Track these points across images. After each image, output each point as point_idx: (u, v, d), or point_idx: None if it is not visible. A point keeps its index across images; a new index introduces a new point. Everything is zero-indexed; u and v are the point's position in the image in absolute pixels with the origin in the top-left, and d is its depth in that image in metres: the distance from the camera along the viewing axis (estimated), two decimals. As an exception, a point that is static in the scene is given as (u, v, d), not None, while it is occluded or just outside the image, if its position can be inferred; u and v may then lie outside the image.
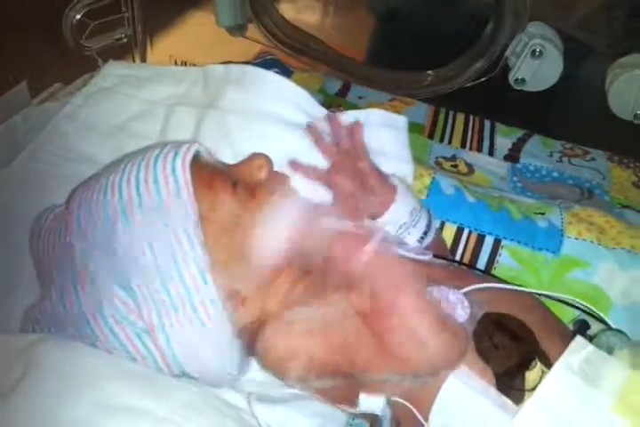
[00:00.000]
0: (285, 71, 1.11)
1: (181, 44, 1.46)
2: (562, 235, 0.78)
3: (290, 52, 1.25)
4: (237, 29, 1.30)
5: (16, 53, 1.07)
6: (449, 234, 0.80)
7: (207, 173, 0.65)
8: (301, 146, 0.78)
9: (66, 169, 0.87)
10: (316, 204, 0.71)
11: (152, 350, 0.61)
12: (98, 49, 1.16)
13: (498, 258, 0.79)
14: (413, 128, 1.02)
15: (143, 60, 1.33)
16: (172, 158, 0.63)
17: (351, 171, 0.73)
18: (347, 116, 0.82)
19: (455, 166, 0.97)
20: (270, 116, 0.80)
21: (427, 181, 0.82)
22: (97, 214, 0.62)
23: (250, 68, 0.85)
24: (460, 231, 0.80)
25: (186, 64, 1.33)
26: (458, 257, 0.80)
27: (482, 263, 0.79)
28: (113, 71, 0.97)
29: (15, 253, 0.76)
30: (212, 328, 0.60)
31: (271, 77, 0.83)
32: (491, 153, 1.02)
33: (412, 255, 0.68)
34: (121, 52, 1.27)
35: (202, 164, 0.67)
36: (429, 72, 1.22)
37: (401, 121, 0.83)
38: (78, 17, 1.11)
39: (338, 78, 1.18)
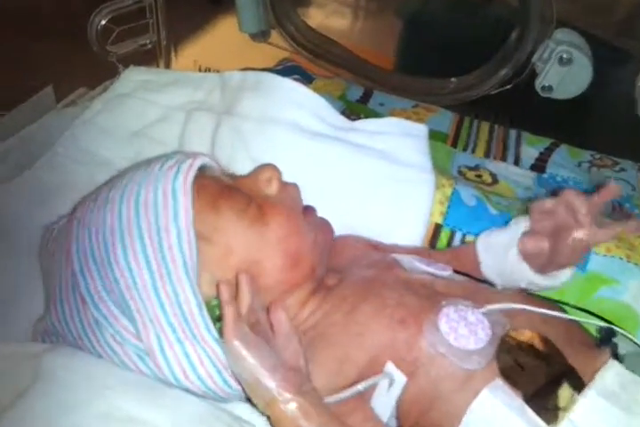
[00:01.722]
0: (306, 77, 1.10)
1: (205, 49, 1.47)
2: (589, 250, 0.74)
3: (312, 57, 1.24)
4: (260, 35, 1.29)
5: (42, 58, 1.08)
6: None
7: (213, 190, 0.62)
8: (317, 154, 0.76)
9: (83, 175, 0.87)
10: (325, 221, 0.69)
11: (154, 369, 0.59)
12: (122, 55, 1.16)
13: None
14: (437, 136, 1.00)
15: (167, 65, 1.33)
16: (172, 178, 0.60)
17: None
18: (367, 125, 0.80)
19: (479, 176, 0.94)
20: (287, 124, 0.79)
21: (448, 191, 0.79)
22: (96, 233, 0.60)
23: (266, 74, 0.84)
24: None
25: (210, 70, 1.33)
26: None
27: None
28: (132, 76, 0.97)
29: (28, 262, 0.75)
30: (212, 347, 0.58)
31: (288, 84, 0.81)
32: (516, 163, 0.99)
33: (431, 270, 0.66)
34: (145, 58, 1.28)
35: (207, 179, 0.63)
36: (453, 79, 1.19)
37: (421, 130, 0.81)
38: (103, 22, 1.12)
39: (360, 85, 1.16)
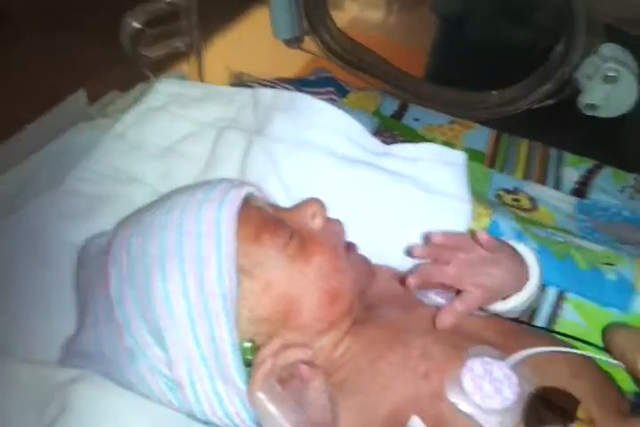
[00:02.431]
0: (341, 90, 1.07)
1: (238, 53, 1.44)
2: (633, 290, 0.71)
3: (345, 65, 1.20)
4: (294, 41, 1.26)
5: (75, 60, 1.07)
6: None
7: (257, 224, 0.61)
8: (349, 180, 0.74)
9: (113, 190, 0.86)
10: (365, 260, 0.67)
11: (182, 402, 0.58)
12: (155, 57, 1.15)
13: (560, 312, 0.72)
14: (473, 156, 0.96)
15: (200, 69, 1.31)
16: (217, 207, 0.59)
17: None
18: (402, 150, 0.77)
19: (517, 200, 0.91)
20: (319, 147, 0.76)
21: (485, 222, 0.76)
22: (135, 259, 0.59)
23: (299, 95, 0.81)
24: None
25: (242, 74, 1.31)
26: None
27: (543, 318, 0.73)
28: (164, 89, 0.95)
29: (57, 276, 0.75)
30: (241, 388, 0.57)
31: (321, 107, 0.79)
32: (556, 186, 0.95)
33: None
34: (178, 61, 1.26)
35: (252, 211, 0.62)
36: (494, 92, 1.15)
37: (460, 158, 0.78)
38: (136, 25, 1.10)
39: (393, 95, 1.13)
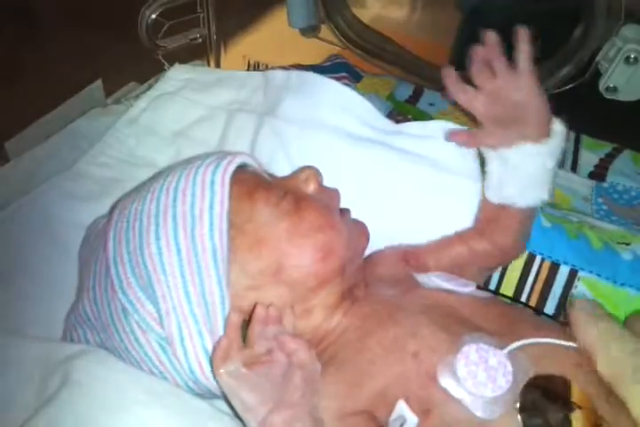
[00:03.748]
0: (354, 75, 1.06)
1: (255, 44, 1.44)
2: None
3: (362, 53, 1.20)
4: (310, 30, 1.26)
5: (92, 51, 1.08)
6: (519, 261, 0.73)
7: (250, 184, 0.63)
8: (359, 159, 0.73)
9: (125, 174, 0.87)
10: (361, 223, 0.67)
11: (174, 362, 0.59)
12: (173, 48, 1.16)
13: (573, 291, 0.71)
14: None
15: (217, 60, 1.32)
16: (212, 170, 0.62)
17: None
18: (413, 128, 0.76)
19: (532, 182, 0.89)
20: (329, 127, 0.75)
21: (497, 201, 0.75)
22: (133, 220, 0.61)
23: (310, 74, 0.81)
24: (531, 258, 0.72)
25: (259, 65, 1.31)
26: (528, 287, 0.72)
27: (555, 296, 0.71)
28: (177, 75, 0.96)
29: (70, 258, 0.76)
30: None
31: (333, 87, 0.78)
32: (574, 169, 0.93)
33: (451, 287, 0.62)
34: (195, 51, 1.27)
35: (246, 175, 0.64)
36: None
37: None
38: (154, 16, 1.11)
39: (410, 82, 1.12)
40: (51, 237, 0.79)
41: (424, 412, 0.54)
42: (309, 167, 0.66)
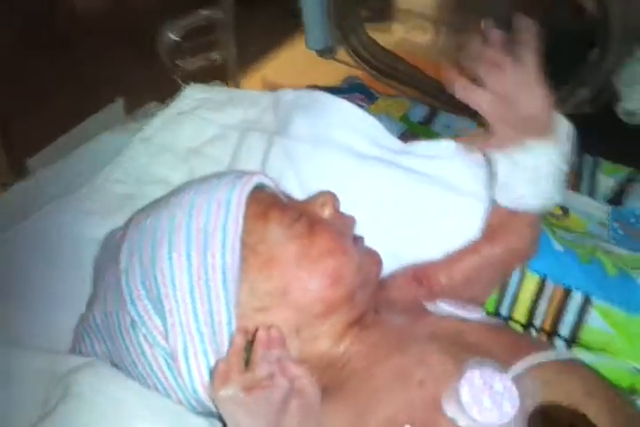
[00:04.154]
0: (370, 96, 1.06)
1: (274, 66, 1.46)
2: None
3: (376, 74, 1.20)
4: (327, 52, 1.27)
5: (114, 70, 1.10)
6: (531, 285, 0.71)
7: (265, 205, 0.62)
8: (367, 178, 0.73)
9: (139, 190, 0.87)
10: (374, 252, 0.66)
11: (178, 379, 0.58)
12: (192, 69, 1.17)
13: (587, 318, 0.69)
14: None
15: (236, 81, 1.34)
16: (229, 189, 0.61)
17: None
18: (422, 148, 0.76)
19: (547, 206, 0.88)
20: (338, 146, 0.75)
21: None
22: (147, 233, 0.61)
23: (320, 94, 0.81)
24: (542, 282, 0.71)
25: (277, 87, 1.32)
26: (541, 313, 0.71)
27: (568, 323, 0.69)
28: (192, 94, 0.96)
29: (83, 273, 0.75)
30: None
31: (342, 106, 0.78)
32: (591, 193, 0.92)
33: (459, 314, 0.61)
34: (214, 73, 1.28)
35: (263, 195, 0.63)
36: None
37: (481, 156, 0.75)
38: (175, 37, 1.13)
39: (425, 103, 1.12)
40: (63, 251, 0.79)
41: None
42: (327, 192, 0.65)
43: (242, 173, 0.64)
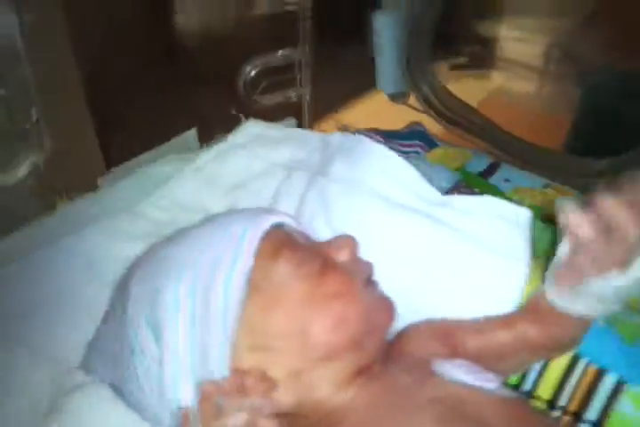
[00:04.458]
0: (429, 143, 1.04)
1: (348, 108, 1.47)
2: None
3: (442, 121, 1.18)
4: (400, 96, 1.26)
5: (190, 101, 1.14)
6: (562, 360, 0.65)
7: (280, 241, 0.61)
8: (396, 227, 0.70)
9: (181, 217, 0.89)
10: (387, 298, 0.62)
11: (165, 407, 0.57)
12: (268, 105, 1.20)
13: (616, 403, 0.61)
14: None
15: (309, 120, 1.35)
16: (245, 225, 0.61)
17: None
18: (460, 202, 0.72)
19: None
20: (371, 192, 0.73)
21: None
22: (158, 259, 0.62)
23: (363, 139, 0.80)
24: (575, 360, 0.64)
25: (347, 127, 1.33)
26: (568, 392, 0.64)
27: (596, 407, 0.62)
28: (250, 129, 0.98)
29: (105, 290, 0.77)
30: None
31: (382, 152, 0.77)
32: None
33: (469, 381, 0.56)
34: (289, 110, 1.31)
35: (280, 234, 0.62)
36: (605, 160, 1.05)
37: (523, 215, 0.71)
38: (253, 73, 1.16)
39: (492, 156, 1.07)
40: (95, 271, 0.81)
41: None
42: (347, 236, 0.64)
43: (264, 210, 0.65)
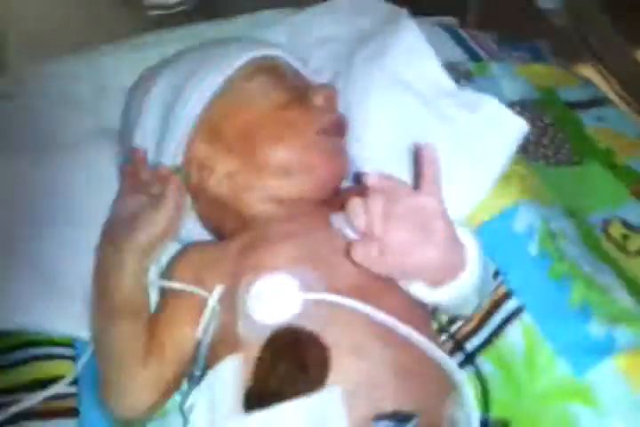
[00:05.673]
0: (536, 57, 0.96)
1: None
2: (606, 355, 0.52)
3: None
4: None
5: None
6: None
7: (263, 68, 0.67)
8: (391, 102, 0.69)
9: None
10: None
11: None
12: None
13: (507, 329, 0.59)
14: (628, 176, 0.78)
15: None
16: (240, 48, 0.69)
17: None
18: (465, 96, 0.69)
19: (626, 237, 0.71)
20: (381, 66, 0.71)
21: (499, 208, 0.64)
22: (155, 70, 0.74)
23: (406, 19, 0.75)
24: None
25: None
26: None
27: (490, 327, 0.60)
28: None
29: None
30: None
31: (413, 34, 0.72)
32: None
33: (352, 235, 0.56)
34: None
35: (267, 63, 0.68)
36: None
37: (521, 126, 0.65)
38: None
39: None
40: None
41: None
42: (330, 85, 0.71)
43: (263, 43, 0.72)
